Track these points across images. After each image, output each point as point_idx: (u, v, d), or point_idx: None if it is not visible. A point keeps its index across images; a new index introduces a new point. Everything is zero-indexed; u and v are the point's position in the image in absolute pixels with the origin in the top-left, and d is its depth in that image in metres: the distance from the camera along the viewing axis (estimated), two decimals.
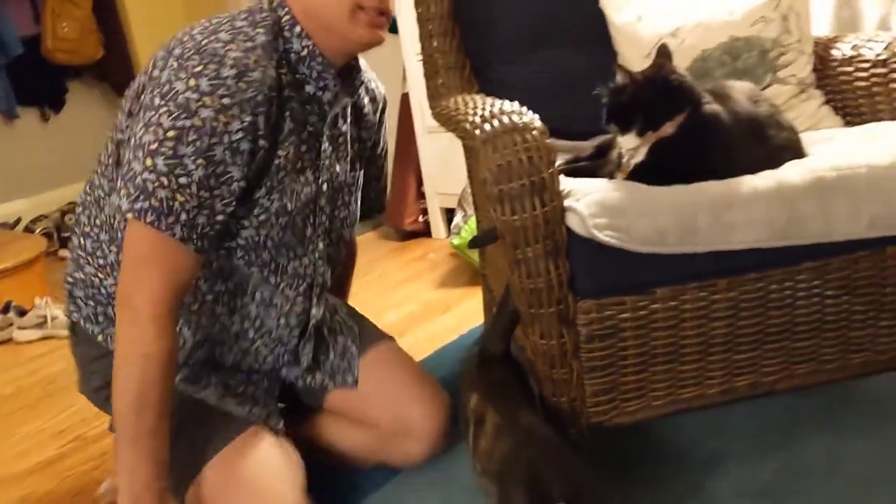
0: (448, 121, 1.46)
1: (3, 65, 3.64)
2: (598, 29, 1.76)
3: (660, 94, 1.27)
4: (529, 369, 1.34)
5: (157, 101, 1.14)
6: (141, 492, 1.14)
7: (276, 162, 1.24)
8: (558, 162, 1.38)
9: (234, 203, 1.19)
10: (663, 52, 1.32)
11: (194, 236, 1.15)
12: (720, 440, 1.48)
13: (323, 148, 1.34)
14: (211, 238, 1.19)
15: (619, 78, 1.29)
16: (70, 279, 1.38)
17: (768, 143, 1.33)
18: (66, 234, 3.65)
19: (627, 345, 1.26)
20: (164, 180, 1.11)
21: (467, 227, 2.47)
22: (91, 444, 1.86)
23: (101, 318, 1.35)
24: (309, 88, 1.29)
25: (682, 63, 1.62)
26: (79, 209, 1.37)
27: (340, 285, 1.66)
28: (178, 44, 1.18)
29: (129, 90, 1.28)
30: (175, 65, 1.14)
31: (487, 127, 1.21)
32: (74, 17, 3.76)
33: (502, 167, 1.17)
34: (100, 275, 1.33)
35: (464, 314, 2.31)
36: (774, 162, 1.30)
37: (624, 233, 1.19)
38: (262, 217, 1.26)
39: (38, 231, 3.61)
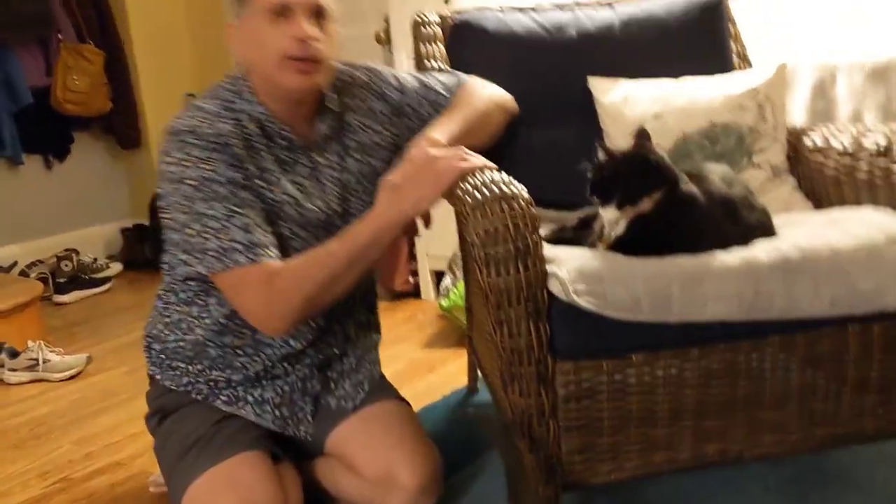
0: None
1: (12, 113, 3.75)
2: (586, 107, 1.87)
3: (639, 171, 1.35)
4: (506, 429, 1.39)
5: (163, 185, 1.38)
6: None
7: (280, 198, 1.43)
8: (544, 231, 1.47)
9: (264, 213, 1.39)
10: (642, 135, 1.42)
11: (259, 252, 1.35)
12: None
13: (324, 179, 1.50)
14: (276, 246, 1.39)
15: (601, 155, 1.38)
16: (147, 334, 1.60)
17: (741, 223, 1.42)
18: (61, 280, 3.70)
19: (603, 407, 1.32)
20: (205, 235, 1.34)
21: (456, 289, 2.54)
22: (76, 486, 1.89)
23: (163, 366, 1.57)
24: (281, 141, 1.46)
25: (664, 143, 1.73)
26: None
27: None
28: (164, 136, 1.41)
29: None
30: (161, 154, 1.39)
31: (478, 195, 1.29)
32: (86, 72, 3.88)
33: (489, 232, 1.25)
34: (165, 331, 1.55)
35: (449, 374, 2.36)
36: (746, 241, 1.38)
37: (601, 299, 1.26)
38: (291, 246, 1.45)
39: (33, 276, 3.66)
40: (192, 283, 1.48)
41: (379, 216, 1.37)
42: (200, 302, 1.50)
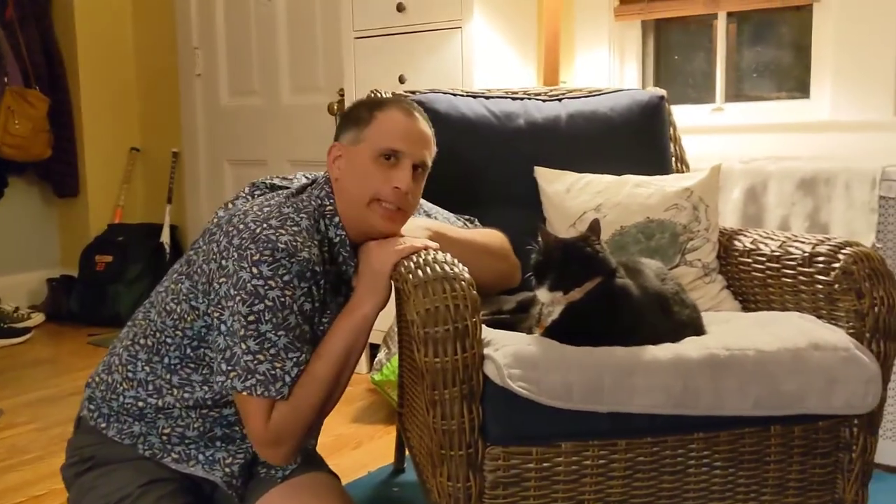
0: None
1: None
2: (531, 194, 1.92)
3: (576, 259, 1.39)
4: None
5: (231, 291, 1.34)
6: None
7: (322, 329, 1.44)
8: (482, 312, 1.48)
9: (312, 348, 1.41)
10: (593, 227, 1.45)
11: (294, 385, 1.37)
12: None
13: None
14: None
15: (541, 238, 1.41)
16: (96, 379, 1.54)
17: (672, 319, 1.46)
18: None
19: (529, 495, 1.32)
20: (260, 357, 1.34)
21: (389, 364, 2.52)
22: None
23: (111, 419, 1.50)
24: (344, 270, 1.48)
25: (601, 235, 1.77)
26: (128, 326, 1.56)
27: None
28: (236, 232, 1.37)
29: (190, 256, 1.47)
30: (236, 255, 1.35)
31: (420, 273, 1.30)
32: (29, 116, 3.82)
33: (430, 312, 1.26)
34: (124, 384, 1.49)
35: (375, 451, 2.33)
36: (676, 336, 1.42)
37: (535, 385, 1.27)
38: None
39: None
40: (184, 354, 1.45)
41: (345, 324, 1.42)
42: (184, 374, 1.46)
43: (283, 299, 1.34)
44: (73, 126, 4.12)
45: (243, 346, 1.33)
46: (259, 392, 1.33)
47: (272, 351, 1.34)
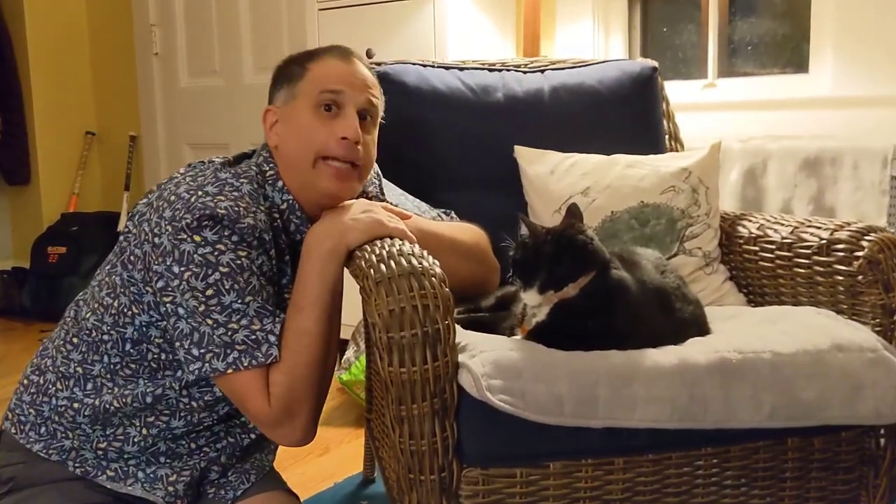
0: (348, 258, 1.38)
1: None
2: (511, 175, 1.75)
3: (565, 253, 1.21)
4: None
5: (175, 268, 1.19)
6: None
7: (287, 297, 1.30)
8: (456, 310, 1.30)
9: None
10: (573, 212, 1.28)
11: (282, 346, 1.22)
12: None
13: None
14: None
15: (524, 231, 1.24)
16: (24, 382, 1.37)
17: (674, 316, 1.29)
18: None
19: None
20: (233, 326, 1.18)
21: (358, 363, 2.35)
22: None
23: (40, 429, 1.33)
24: (299, 239, 1.33)
25: (591, 222, 1.61)
26: (59, 326, 1.39)
27: None
28: (167, 205, 1.21)
29: (122, 243, 1.30)
30: (170, 228, 1.19)
31: (383, 268, 1.12)
32: None
33: (394, 313, 1.08)
34: (58, 385, 1.32)
35: (344, 458, 2.16)
36: (679, 336, 1.26)
37: (519, 398, 1.10)
38: None
39: None
40: (123, 351, 1.28)
41: (312, 260, 1.26)
42: (125, 373, 1.29)
43: (238, 262, 1.19)
44: (24, 109, 3.92)
45: (209, 323, 1.18)
46: (245, 364, 1.17)
47: (244, 320, 1.19)
